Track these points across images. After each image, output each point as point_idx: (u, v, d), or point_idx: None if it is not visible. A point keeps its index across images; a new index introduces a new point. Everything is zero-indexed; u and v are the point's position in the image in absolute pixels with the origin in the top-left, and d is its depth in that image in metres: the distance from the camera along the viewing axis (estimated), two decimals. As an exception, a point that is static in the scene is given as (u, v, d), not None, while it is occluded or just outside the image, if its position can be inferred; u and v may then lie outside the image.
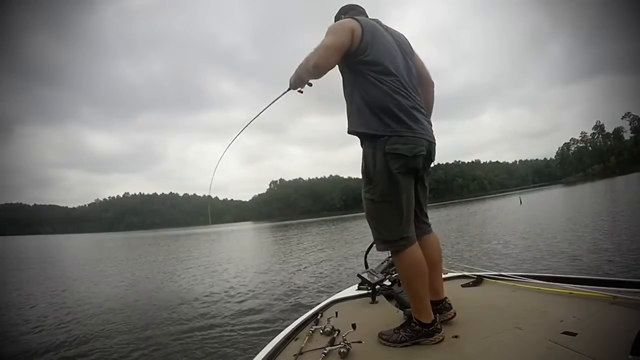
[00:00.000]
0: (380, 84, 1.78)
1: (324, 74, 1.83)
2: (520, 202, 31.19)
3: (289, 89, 1.98)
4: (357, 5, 2.11)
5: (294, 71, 1.90)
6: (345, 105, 1.95)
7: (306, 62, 1.79)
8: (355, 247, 14.26)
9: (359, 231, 22.48)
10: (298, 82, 1.92)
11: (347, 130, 1.90)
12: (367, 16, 2.04)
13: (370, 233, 1.91)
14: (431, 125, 1.93)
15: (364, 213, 1.90)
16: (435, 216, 27.98)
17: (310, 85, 1.96)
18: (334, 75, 1.92)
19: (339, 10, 2.12)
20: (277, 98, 2.10)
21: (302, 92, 2.01)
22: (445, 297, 1.97)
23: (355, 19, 1.86)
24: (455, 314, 1.93)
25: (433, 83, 2.15)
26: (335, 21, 2.09)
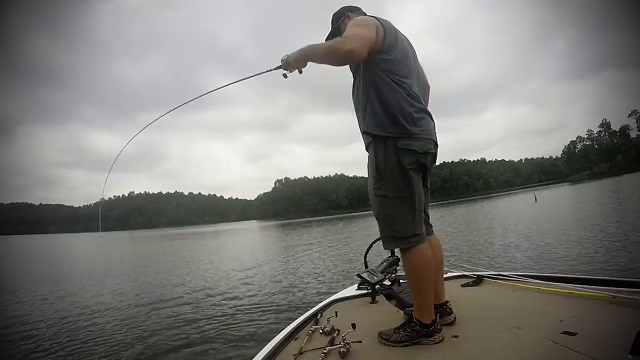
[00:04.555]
0: (397, 85, 1.78)
1: (351, 63, 1.78)
2: (536, 200, 31.07)
3: (280, 67, 1.83)
4: (359, 8, 2.09)
5: (294, 52, 1.79)
6: (355, 104, 1.94)
7: (335, 45, 1.68)
8: (357, 246, 14.25)
9: (364, 230, 22.49)
10: (300, 62, 1.79)
11: (361, 130, 1.90)
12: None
13: (369, 233, 1.89)
14: (435, 128, 1.95)
15: (370, 212, 1.88)
16: (456, 214, 27.91)
17: (301, 72, 1.87)
18: (336, 74, 1.89)
19: (343, 9, 2.08)
20: (261, 73, 1.97)
21: (286, 77, 1.89)
22: (447, 302, 1.97)
23: (375, 18, 1.86)
24: (455, 319, 1.93)
25: (430, 87, 2.16)
26: (334, 20, 2.08)
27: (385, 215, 1.83)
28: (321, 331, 1.95)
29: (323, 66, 1.77)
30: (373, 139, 1.84)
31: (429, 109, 1.98)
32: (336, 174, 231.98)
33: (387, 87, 1.78)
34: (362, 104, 1.87)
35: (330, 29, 2.10)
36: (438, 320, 1.78)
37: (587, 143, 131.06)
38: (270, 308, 6.27)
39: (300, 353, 1.73)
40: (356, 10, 2.05)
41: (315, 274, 9.32)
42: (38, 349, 5.14)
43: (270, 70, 1.90)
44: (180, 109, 2.43)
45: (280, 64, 1.83)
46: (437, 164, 2.08)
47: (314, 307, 2.56)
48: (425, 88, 2.10)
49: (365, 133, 1.88)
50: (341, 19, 2.04)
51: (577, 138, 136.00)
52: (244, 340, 4.81)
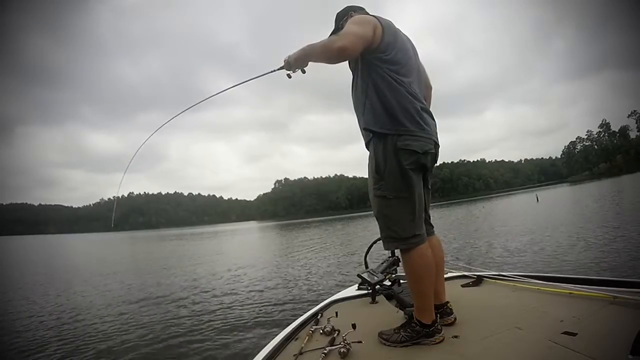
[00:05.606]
0: (396, 84, 1.79)
1: (344, 60, 1.77)
2: (537, 200, 31.07)
3: (282, 68, 1.87)
4: (362, 7, 2.09)
5: (295, 51, 1.82)
6: (354, 101, 1.95)
7: (329, 42, 1.70)
8: (357, 247, 14.24)
9: (364, 230, 22.46)
10: (300, 62, 1.82)
11: (360, 126, 1.91)
12: None
13: (368, 233, 1.88)
14: (436, 128, 1.95)
15: (370, 212, 1.87)
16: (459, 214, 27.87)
17: (304, 72, 1.89)
18: (335, 73, 1.89)
19: (346, 8, 2.08)
20: (264, 74, 2.00)
21: (290, 76, 1.91)
22: (447, 302, 1.97)
23: (376, 17, 1.86)
24: (455, 319, 1.92)
25: (431, 87, 2.17)
26: (337, 19, 2.08)
27: (385, 215, 1.83)
28: (321, 331, 1.95)
29: (322, 66, 1.79)
30: (372, 136, 1.84)
31: (431, 109, 1.98)
32: (335, 174, 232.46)
33: (385, 84, 1.79)
34: (360, 101, 1.87)
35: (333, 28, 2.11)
36: (438, 320, 1.78)
37: (587, 143, 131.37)
38: (269, 308, 6.26)
39: (300, 353, 1.73)
40: (359, 10, 2.05)
41: (315, 274, 9.32)
42: (30, 348, 5.16)
43: (274, 71, 1.92)
44: (178, 108, 2.44)
45: (283, 64, 1.85)
46: (437, 164, 2.08)
47: (314, 307, 2.57)
48: (427, 88, 2.10)
49: (364, 130, 1.89)
50: (344, 18, 2.04)
51: (576, 138, 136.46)
52: (243, 340, 4.80)
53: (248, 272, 10.70)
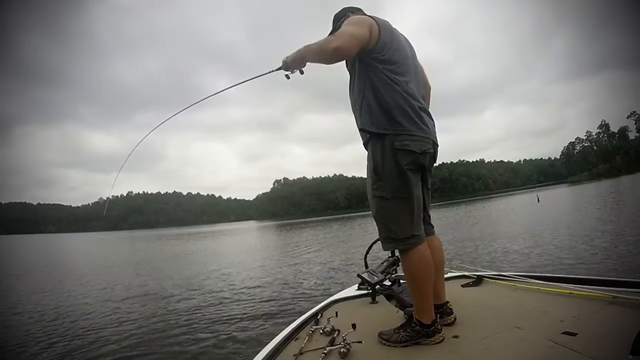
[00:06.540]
0: (393, 83, 1.79)
1: (339, 60, 1.77)
2: (538, 200, 31.07)
3: (280, 68, 1.85)
4: (359, 8, 2.09)
5: (292, 52, 1.81)
6: (351, 102, 1.95)
7: (324, 43, 1.70)
8: (356, 247, 14.23)
9: (363, 230, 22.44)
10: (297, 62, 1.80)
11: (357, 126, 1.90)
12: None
13: (368, 232, 1.87)
14: (435, 127, 1.95)
15: (368, 212, 1.87)
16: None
17: (302, 73, 1.89)
18: (333, 73, 1.88)
19: (344, 9, 2.09)
20: (263, 74, 2.00)
21: (289, 77, 1.90)
22: (447, 302, 1.97)
23: (372, 17, 1.86)
24: (455, 319, 1.92)
25: (430, 86, 2.17)
26: (335, 20, 2.09)
27: (383, 216, 1.83)
28: (321, 331, 1.95)
29: (321, 65, 1.78)
30: (370, 137, 1.84)
31: (430, 109, 1.98)
32: (335, 174, 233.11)
33: (383, 84, 1.79)
34: (358, 102, 1.87)
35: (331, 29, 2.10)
36: (438, 320, 1.78)
37: (586, 144, 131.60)
38: (268, 308, 6.25)
39: (300, 353, 1.73)
40: (356, 11, 2.05)
41: (314, 274, 9.31)
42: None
43: (272, 71, 1.91)
44: (176, 107, 2.44)
45: (281, 64, 1.85)
46: (436, 164, 2.07)
47: (314, 307, 2.56)
48: (426, 88, 2.10)
49: (361, 130, 1.89)
50: (342, 19, 2.04)
51: (575, 139, 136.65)
52: (242, 340, 4.79)
53: (246, 272, 10.69)
